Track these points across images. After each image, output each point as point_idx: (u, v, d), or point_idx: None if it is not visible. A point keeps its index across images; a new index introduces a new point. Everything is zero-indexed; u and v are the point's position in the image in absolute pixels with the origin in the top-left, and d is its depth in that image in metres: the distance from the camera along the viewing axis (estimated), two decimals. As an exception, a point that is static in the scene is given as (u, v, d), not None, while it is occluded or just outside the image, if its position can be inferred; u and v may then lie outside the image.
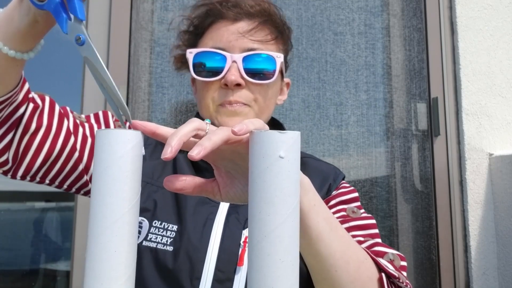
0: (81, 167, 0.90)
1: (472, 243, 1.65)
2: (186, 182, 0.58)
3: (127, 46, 1.56)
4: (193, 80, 1.06)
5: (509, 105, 1.75)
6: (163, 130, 0.54)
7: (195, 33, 1.01)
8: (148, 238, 0.84)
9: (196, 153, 0.49)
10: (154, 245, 0.84)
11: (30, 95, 0.84)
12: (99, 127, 0.95)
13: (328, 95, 1.71)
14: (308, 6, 1.74)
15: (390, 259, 0.79)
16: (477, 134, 1.70)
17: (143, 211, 0.87)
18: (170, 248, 0.83)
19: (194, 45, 1.00)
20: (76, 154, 0.89)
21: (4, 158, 0.81)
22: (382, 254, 0.80)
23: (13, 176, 0.86)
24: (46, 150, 0.85)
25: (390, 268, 0.74)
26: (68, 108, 0.93)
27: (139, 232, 0.85)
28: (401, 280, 0.73)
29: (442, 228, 1.68)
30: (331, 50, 1.74)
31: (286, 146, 0.45)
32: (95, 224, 0.46)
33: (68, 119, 0.89)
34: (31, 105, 0.83)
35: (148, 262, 0.83)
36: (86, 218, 1.46)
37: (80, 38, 0.60)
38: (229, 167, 0.60)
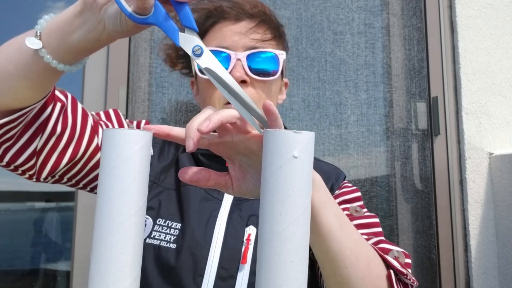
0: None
1: (472, 242, 1.65)
2: (201, 174, 0.60)
3: (127, 46, 1.56)
4: (192, 82, 1.06)
5: (509, 104, 1.75)
6: (177, 130, 0.56)
7: None
8: (152, 236, 0.84)
9: (205, 126, 0.51)
10: (157, 242, 0.84)
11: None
12: (112, 126, 0.94)
13: (328, 94, 1.70)
14: (308, 5, 1.74)
15: (395, 256, 0.79)
16: (477, 133, 1.70)
17: (148, 209, 0.87)
18: (173, 246, 0.83)
19: None
20: (99, 154, 0.87)
21: (31, 163, 0.79)
22: (387, 251, 0.80)
23: (38, 179, 0.84)
24: (70, 152, 0.83)
25: (397, 265, 0.74)
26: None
27: None
28: (408, 277, 0.74)
29: (442, 227, 1.68)
30: (331, 50, 1.73)
31: (300, 146, 0.45)
32: (101, 225, 0.46)
33: (88, 117, 0.88)
34: (58, 105, 0.80)
35: (151, 259, 0.83)
36: (86, 218, 1.45)
37: (199, 49, 0.59)
38: (243, 162, 0.61)
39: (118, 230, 0.46)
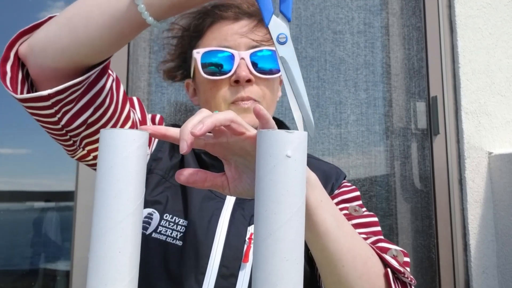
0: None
1: (472, 241, 1.65)
2: (198, 175, 0.60)
3: (126, 46, 1.56)
4: (188, 84, 1.06)
5: (508, 103, 1.75)
6: (173, 131, 0.56)
7: (192, 36, 1.01)
8: (158, 230, 0.84)
9: (198, 130, 0.51)
10: (163, 237, 0.84)
11: None
12: (138, 113, 0.93)
13: (327, 94, 1.71)
14: (307, 5, 1.74)
15: (394, 255, 0.79)
16: (477, 132, 1.70)
17: (155, 203, 0.88)
18: (179, 243, 0.83)
19: (193, 47, 1.00)
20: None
21: (81, 129, 0.78)
22: (385, 250, 0.80)
23: (74, 151, 0.83)
24: (110, 127, 0.81)
25: (395, 263, 0.74)
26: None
27: (149, 224, 0.86)
28: (406, 275, 0.74)
29: (441, 227, 1.68)
30: (331, 49, 1.74)
31: (293, 145, 0.45)
32: (99, 224, 0.46)
33: (128, 98, 0.87)
34: (110, 78, 0.80)
35: (155, 254, 0.83)
36: (85, 218, 1.45)
37: (284, 37, 0.60)
38: (239, 162, 0.61)
39: (116, 229, 0.46)
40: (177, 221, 0.86)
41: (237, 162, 0.61)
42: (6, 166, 1.59)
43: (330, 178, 0.98)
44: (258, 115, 0.55)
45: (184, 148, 0.51)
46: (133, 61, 1.57)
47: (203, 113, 0.56)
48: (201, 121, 0.52)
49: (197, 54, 0.95)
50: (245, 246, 0.83)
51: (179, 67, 1.07)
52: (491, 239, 1.66)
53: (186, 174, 0.59)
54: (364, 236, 0.86)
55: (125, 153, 0.45)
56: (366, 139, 1.71)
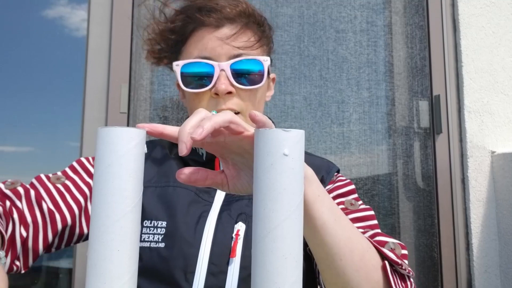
0: (77, 230, 0.91)
1: (474, 241, 1.65)
2: (199, 174, 0.60)
3: (129, 44, 1.56)
4: (178, 85, 1.05)
5: (511, 102, 1.75)
6: (171, 129, 0.56)
7: (176, 40, 0.99)
8: (142, 239, 0.86)
9: (198, 134, 0.51)
10: (147, 244, 0.85)
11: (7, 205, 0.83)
12: (81, 178, 0.94)
13: (330, 92, 1.70)
14: (310, 3, 1.74)
15: (391, 248, 0.80)
16: (479, 131, 1.70)
17: None
18: (162, 245, 0.85)
19: (177, 52, 0.99)
20: (77, 230, 0.90)
21: (13, 270, 0.83)
22: (383, 244, 0.81)
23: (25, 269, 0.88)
24: (41, 245, 0.86)
25: (393, 255, 0.74)
26: (42, 176, 0.92)
27: None
28: (403, 267, 0.75)
29: (444, 226, 1.68)
30: (333, 48, 1.73)
31: (290, 144, 0.45)
32: (98, 222, 0.46)
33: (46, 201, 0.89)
34: (16, 223, 0.83)
35: (144, 262, 0.84)
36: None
37: None
38: (236, 160, 0.62)
39: (114, 228, 0.46)
40: (156, 224, 0.87)
41: (234, 160, 0.62)
42: (9, 164, 1.60)
43: (320, 172, 0.98)
44: (254, 120, 0.55)
45: (183, 150, 0.51)
46: (136, 59, 1.58)
47: (201, 113, 0.56)
48: (200, 125, 0.52)
49: (177, 66, 0.94)
50: (232, 242, 0.85)
51: (164, 51, 1.04)
52: (494, 238, 1.66)
53: (187, 173, 0.59)
54: (362, 230, 0.86)
55: (122, 151, 0.45)
56: (369, 137, 1.71)
